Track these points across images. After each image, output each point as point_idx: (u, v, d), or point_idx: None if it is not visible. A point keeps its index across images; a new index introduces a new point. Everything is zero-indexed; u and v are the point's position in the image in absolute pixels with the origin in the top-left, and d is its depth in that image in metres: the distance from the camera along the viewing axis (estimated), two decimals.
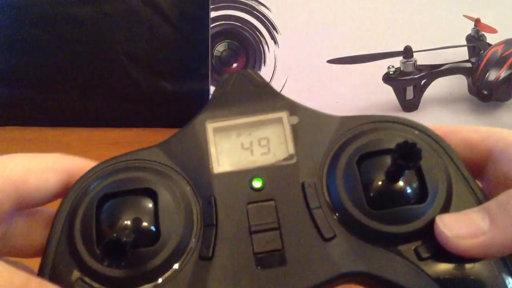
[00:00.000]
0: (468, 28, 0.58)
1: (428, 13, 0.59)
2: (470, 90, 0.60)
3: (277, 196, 0.27)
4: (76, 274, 0.25)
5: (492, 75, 0.59)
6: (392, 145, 0.24)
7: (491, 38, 0.58)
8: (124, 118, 0.64)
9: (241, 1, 0.60)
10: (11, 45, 0.63)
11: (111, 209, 0.26)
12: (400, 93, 0.60)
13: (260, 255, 0.25)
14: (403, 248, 0.25)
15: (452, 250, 0.24)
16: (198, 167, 0.27)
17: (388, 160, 0.25)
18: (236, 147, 0.28)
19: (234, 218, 0.26)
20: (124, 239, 0.23)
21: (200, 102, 0.62)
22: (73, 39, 0.63)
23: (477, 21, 0.58)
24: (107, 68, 0.64)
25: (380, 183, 0.26)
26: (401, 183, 0.26)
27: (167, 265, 0.25)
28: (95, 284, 0.25)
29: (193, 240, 0.26)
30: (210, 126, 0.28)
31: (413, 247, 0.25)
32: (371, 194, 0.26)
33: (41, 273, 0.25)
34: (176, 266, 0.25)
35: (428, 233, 0.25)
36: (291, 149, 0.28)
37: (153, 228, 0.25)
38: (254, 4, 0.60)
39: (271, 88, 0.30)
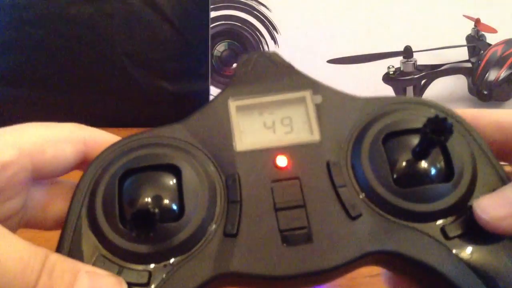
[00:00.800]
0: (468, 28, 0.58)
1: (428, 13, 0.59)
2: (470, 90, 0.60)
3: (301, 174, 0.26)
4: (97, 249, 0.25)
5: (492, 75, 0.59)
6: (418, 125, 0.25)
7: (491, 38, 0.58)
8: (124, 118, 0.64)
9: (241, 1, 0.60)
10: (11, 45, 0.63)
11: (134, 185, 0.25)
12: (400, 93, 0.60)
13: (286, 232, 0.25)
14: (429, 226, 0.25)
15: (495, 232, 0.24)
16: (221, 144, 0.27)
17: (414, 139, 0.26)
18: (258, 126, 0.28)
19: (258, 196, 0.26)
20: (152, 210, 0.23)
21: (200, 102, 0.62)
22: (73, 39, 0.63)
23: (477, 21, 0.58)
24: (107, 68, 0.64)
25: (407, 161, 0.26)
26: (428, 161, 0.26)
27: (191, 241, 0.25)
28: (116, 260, 0.25)
29: (217, 216, 0.26)
30: (232, 104, 0.28)
31: (440, 226, 0.25)
32: (398, 172, 0.26)
33: (60, 249, 0.25)
34: (200, 242, 0.25)
35: (455, 212, 0.25)
36: (315, 128, 0.27)
37: (177, 204, 0.25)
38: (254, 4, 0.60)
39: (293, 67, 0.29)
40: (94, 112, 0.65)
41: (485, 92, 0.59)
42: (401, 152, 0.26)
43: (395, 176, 0.26)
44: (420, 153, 0.25)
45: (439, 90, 0.59)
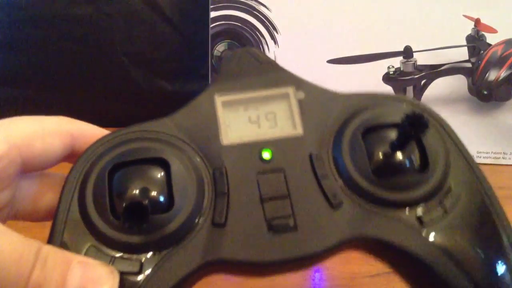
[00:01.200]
0: (468, 28, 0.58)
1: (428, 13, 0.59)
2: (470, 90, 0.60)
3: (285, 166, 0.28)
4: (88, 240, 0.26)
5: (492, 75, 0.59)
6: (396, 119, 0.27)
7: (491, 38, 0.58)
8: (124, 118, 0.64)
9: (241, 1, 0.60)
10: (11, 45, 0.63)
11: (124, 178, 0.26)
12: (400, 93, 0.60)
13: (271, 221, 0.26)
14: (405, 213, 0.27)
15: None
16: (207, 139, 0.28)
17: (391, 133, 0.27)
18: (243, 121, 0.29)
19: (245, 187, 0.27)
20: (144, 202, 0.24)
21: None
22: (73, 39, 0.63)
23: (477, 21, 0.58)
24: (107, 68, 0.64)
25: (384, 153, 0.27)
26: (404, 153, 0.27)
27: (181, 231, 0.26)
28: (108, 250, 0.25)
29: (205, 207, 0.27)
30: (218, 100, 0.29)
31: (415, 213, 0.27)
32: (376, 163, 0.27)
33: (51, 240, 0.26)
34: (190, 232, 0.26)
35: (429, 200, 0.27)
36: (298, 123, 0.29)
37: (166, 196, 0.26)
38: (254, 4, 0.60)
39: (276, 64, 0.30)
40: (94, 112, 0.65)
41: (485, 92, 0.59)
42: (379, 144, 0.28)
43: (373, 167, 0.27)
44: (397, 145, 0.27)
45: (439, 90, 0.59)
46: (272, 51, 0.60)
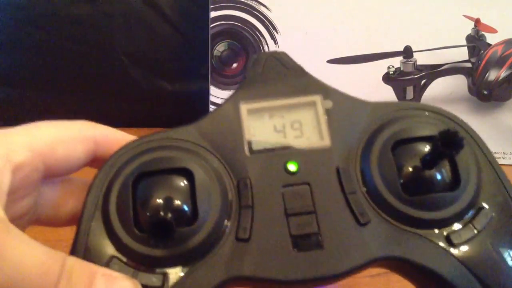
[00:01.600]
0: (468, 28, 0.58)
1: (428, 13, 0.59)
2: (470, 90, 0.60)
3: (311, 180, 0.27)
4: (111, 251, 0.25)
5: (492, 75, 0.59)
6: (428, 133, 0.26)
7: (491, 38, 0.58)
8: (124, 118, 0.64)
9: (241, 1, 0.60)
10: (11, 45, 0.63)
11: (149, 189, 0.26)
12: (400, 93, 0.60)
13: (297, 238, 0.26)
14: (435, 233, 0.26)
15: None
16: (232, 148, 0.27)
17: (423, 147, 0.26)
18: (269, 130, 0.28)
19: (269, 201, 0.26)
20: (170, 219, 0.23)
21: (200, 102, 0.62)
22: (73, 39, 0.63)
23: (477, 21, 0.58)
24: (107, 68, 0.64)
25: (415, 169, 0.26)
26: (435, 170, 0.26)
27: (205, 245, 0.25)
28: (131, 263, 0.25)
29: (229, 221, 0.26)
30: (243, 107, 0.28)
31: (445, 233, 0.26)
32: (406, 180, 0.26)
33: (75, 251, 0.25)
34: (213, 246, 0.26)
35: (459, 220, 0.26)
36: (325, 134, 0.28)
37: (191, 208, 0.25)
38: (254, 4, 0.60)
39: (303, 70, 0.30)
40: (94, 112, 0.65)
41: (485, 92, 0.59)
42: (410, 160, 0.27)
43: (403, 183, 0.26)
44: (429, 162, 0.26)
45: (439, 90, 0.59)
46: None
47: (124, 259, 0.25)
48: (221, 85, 0.61)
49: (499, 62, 0.59)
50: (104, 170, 0.27)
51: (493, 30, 0.58)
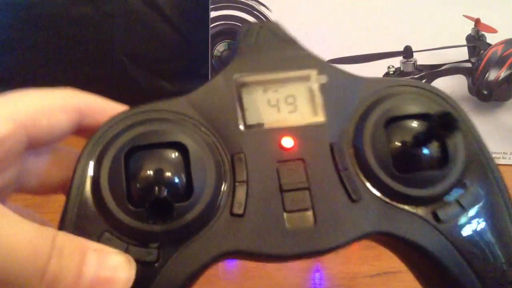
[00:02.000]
0: (468, 28, 0.58)
1: (428, 13, 0.59)
2: (470, 90, 0.60)
3: (306, 156, 0.27)
4: (103, 226, 0.25)
5: (492, 75, 0.59)
6: (420, 111, 0.27)
7: (491, 38, 0.58)
8: None
9: (241, 1, 0.60)
10: (11, 45, 0.63)
11: (141, 162, 0.25)
12: None
13: (290, 213, 0.26)
14: (423, 210, 0.27)
15: None
16: (225, 122, 0.27)
17: (416, 125, 0.27)
18: (263, 104, 0.27)
19: (264, 176, 0.26)
20: (170, 199, 0.23)
21: None
22: (73, 39, 0.63)
23: (477, 21, 0.58)
24: (107, 68, 0.64)
25: (407, 147, 0.26)
26: (427, 149, 0.26)
27: (200, 220, 0.25)
28: (123, 237, 0.24)
29: (223, 196, 0.26)
30: (236, 80, 0.27)
31: (432, 210, 0.27)
32: (398, 158, 0.27)
33: (64, 225, 0.25)
34: (208, 221, 0.25)
35: (447, 197, 0.27)
36: (320, 109, 0.27)
37: (185, 183, 0.25)
38: (254, 4, 0.60)
39: (297, 43, 0.29)
40: None
41: (485, 92, 0.59)
42: (403, 138, 0.27)
43: (394, 161, 0.27)
44: (421, 141, 0.26)
45: None
46: None
47: (116, 233, 0.24)
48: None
49: (499, 62, 0.59)
50: (92, 142, 0.26)
51: (493, 30, 0.58)
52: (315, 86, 0.28)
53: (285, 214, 0.26)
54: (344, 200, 0.26)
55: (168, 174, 0.25)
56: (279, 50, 0.28)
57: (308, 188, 0.26)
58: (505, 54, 0.58)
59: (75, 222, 0.25)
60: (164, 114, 0.27)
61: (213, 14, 0.60)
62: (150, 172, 0.25)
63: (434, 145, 0.27)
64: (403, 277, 0.40)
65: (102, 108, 0.28)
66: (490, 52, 0.59)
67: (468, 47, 0.59)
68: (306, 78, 0.28)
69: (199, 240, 0.25)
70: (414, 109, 0.27)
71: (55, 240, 0.22)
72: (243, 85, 0.27)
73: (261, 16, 0.60)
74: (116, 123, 0.26)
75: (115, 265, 0.23)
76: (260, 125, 0.27)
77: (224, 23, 0.60)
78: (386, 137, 0.27)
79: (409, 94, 0.28)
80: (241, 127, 0.27)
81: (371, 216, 0.26)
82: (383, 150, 0.27)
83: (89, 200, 0.25)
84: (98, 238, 0.24)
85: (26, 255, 0.21)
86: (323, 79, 0.28)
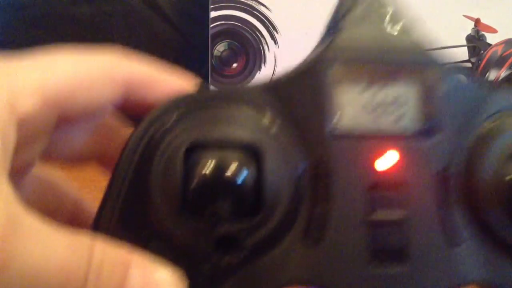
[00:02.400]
0: (468, 28, 0.58)
1: (428, 13, 0.59)
2: None
3: (406, 182, 0.21)
4: (149, 232, 0.20)
5: (492, 75, 0.59)
6: None
7: (491, 38, 0.58)
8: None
9: (241, 1, 0.60)
10: (11, 45, 0.63)
11: (205, 163, 0.20)
12: None
13: (378, 251, 0.21)
14: None
15: None
16: (311, 122, 0.21)
17: None
18: (361, 105, 0.21)
19: (351, 199, 0.21)
20: (244, 234, 0.19)
21: None
22: (73, 39, 0.63)
23: (477, 21, 0.58)
24: None
25: None
26: None
27: (268, 242, 0.21)
28: (168, 253, 0.20)
29: (298, 215, 0.21)
30: (333, 70, 0.21)
31: None
32: None
33: (100, 226, 0.21)
34: (277, 243, 0.21)
35: None
36: (435, 121, 0.22)
37: (256, 197, 0.20)
38: (254, 4, 0.60)
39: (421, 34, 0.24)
40: None
41: None
42: None
43: None
44: None
45: None
46: (272, 51, 0.60)
47: (164, 244, 0.20)
48: (221, 85, 0.61)
49: (499, 62, 0.59)
50: (143, 128, 0.21)
51: (493, 30, 0.58)
52: (434, 93, 0.22)
53: (370, 250, 0.21)
54: (443, 242, 0.21)
55: (236, 182, 0.20)
56: (392, 37, 0.22)
57: (402, 224, 0.21)
58: (505, 54, 0.58)
59: (118, 219, 0.20)
60: (240, 106, 0.21)
61: (213, 14, 0.60)
62: (213, 178, 0.20)
63: None
64: None
65: (157, 81, 0.23)
66: (490, 52, 0.58)
67: (468, 47, 0.59)
68: (424, 82, 0.22)
69: (263, 266, 0.21)
70: None
71: (93, 254, 0.18)
72: (340, 77, 0.21)
73: (261, 16, 0.60)
74: (177, 106, 0.21)
75: (161, 282, 0.19)
76: (352, 136, 0.21)
77: (224, 23, 0.60)
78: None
79: None
80: (329, 134, 0.21)
81: (472, 263, 0.22)
82: (504, 187, 0.21)
83: (132, 198, 0.21)
84: (143, 245, 0.20)
85: (58, 281, 0.18)
86: (445, 84, 0.22)
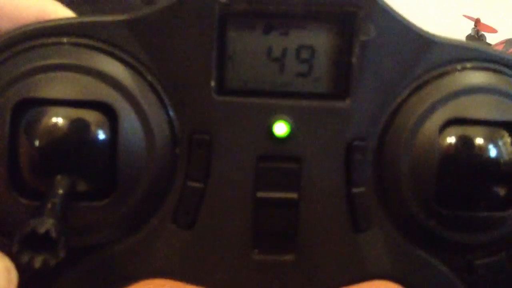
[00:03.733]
0: (468, 28, 0.58)
1: (428, 13, 0.59)
2: None
3: (305, 153, 0.17)
4: None
5: None
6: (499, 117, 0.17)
7: (491, 38, 0.58)
8: None
9: None
10: None
11: (37, 128, 0.16)
12: None
13: (262, 235, 0.17)
14: (455, 260, 0.19)
15: None
16: (191, 76, 0.17)
17: (490, 141, 0.17)
18: (258, 52, 0.17)
19: (234, 175, 0.17)
20: (55, 234, 0.14)
21: None
22: None
23: (477, 21, 0.58)
24: None
25: (466, 174, 0.17)
26: (493, 181, 0.17)
27: (127, 225, 0.17)
28: (10, 236, 0.15)
29: (165, 197, 0.17)
30: (221, 7, 0.16)
31: (467, 261, 0.19)
32: (448, 186, 0.17)
33: None
34: (142, 227, 0.17)
35: (493, 248, 0.19)
36: (347, 80, 0.17)
37: (106, 173, 0.16)
38: None
39: None
40: None
41: None
42: (464, 159, 0.17)
43: (440, 189, 0.17)
44: (491, 173, 0.17)
45: None
46: None
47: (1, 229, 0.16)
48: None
49: None
50: None
51: (493, 30, 0.58)
52: (355, 41, 0.17)
53: (254, 237, 0.17)
54: (345, 228, 0.18)
55: (76, 152, 0.16)
56: None
57: (296, 205, 0.17)
58: None
59: None
60: (89, 42, 0.17)
61: None
62: (47, 148, 0.15)
63: (503, 178, 0.18)
64: None
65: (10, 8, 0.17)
66: None
67: None
68: (342, 24, 0.17)
69: (120, 253, 0.17)
70: (502, 112, 0.17)
71: None
72: (231, 15, 0.17)
73: None
74: (6, 46, 0.16)
75: None
76: (246, 92, 0.17)
77: None
78: (438, 149, 0.17)
79: (499, 82, 0.18)
80: (214, 91, 0.16)
81: (379, 253, 0.19)
82: (426, 169, 0.17)
83: None
84: None
85: None
86: (370, 31, 0.17)
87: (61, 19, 0.17)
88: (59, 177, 0.15)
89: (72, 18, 0.18)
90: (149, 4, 0.65)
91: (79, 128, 0.16)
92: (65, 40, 0.17)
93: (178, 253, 0.17)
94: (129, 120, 0.16)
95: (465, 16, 0.56)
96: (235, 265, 0.17)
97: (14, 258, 0.15)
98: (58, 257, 0.14)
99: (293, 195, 0.17)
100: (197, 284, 0.18)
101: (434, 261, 0.19)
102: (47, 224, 0.14)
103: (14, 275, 0.16)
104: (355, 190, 0.18)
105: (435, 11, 0.58)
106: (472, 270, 0.19)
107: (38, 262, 0.15)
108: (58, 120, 0.16)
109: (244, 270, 0.18)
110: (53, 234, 0.14)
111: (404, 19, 0.19)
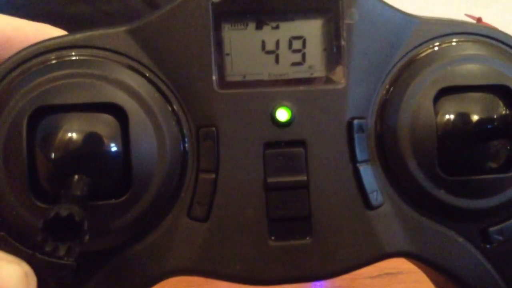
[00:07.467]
0: None
1: (429, 13, 0.58)
2: None
3: (309, 136, 0.18)
4: None
5: None
6: (498, 80, 0.17)
7: None
8: None
9: None
10: None
11: (53, 134, 0.16)
12: None
13: (277, 222, 0.18)
14: (467, 227, 0.19)
15: None
16: (192, 74, 0.17)
17: (487, 103, 0.17)
18: (253, 47, 0.18)
19: (242, 164, 0.18)
20: (79, 217, 0.14)
21: None
22: None
23: (478, 20, 0.58)
24: None
25: (466, 138, 0.18)
26: (492, 144, 0.18)
27: (143, 223, 0.17)
28: (26, 242, 0.16)
29: (180, 191, 0.18)
30: (214, 7, 0.17)
31: (481, 228, 0.19)
32: (449, 153, 0.18)
33: None
34: (158, 224, 0.17)
35: (503, 212, 0.19)
36: (340, 63, 0.18)
37: (121, 173, 0.16)
38: None
39: None
40: None
41: None
42: (460, 123, 0.18)
43: (442, 156, 0.18)
44: (495, 130, 0.18)
45: None
46: None
47: (15, 235, 0.17)
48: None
49: None
50: None
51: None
52: (341, 27, 0.18)
53: (268, 224, 0.18)
54: (356, 205, 0.18)
55: (91, 154, 0.16)
56: None
57: (306, 187, 0.18)
58: None
59: None
60: (98, 55, 0.17)
61: None
62: (63, 152, 0.16)
63: (501, 139, 0.18)
64: (403, 278, 0.40)
65: (26, 34, 0.19)
66: None
67: None
68: (328, 12, 0.17)
69: (140, 252, 0.17)
70: (489, 77, 0.18)
71: None
72: (225, 15, 0.17)
73: None
74: (19, 64, 0.17)
75: (5, 279, 0.16)
76: (245, 83, 0.18)
77: None
78: (435, 118, 0.18)
79: (484, 51, 0.19)
80: (216, 85, 0.17)
81: (393, 229, 0.19)
82: (427, 139, 0.17)
83: None
84: None
85: None
86: (354, 15, 0.18)
87: (69, 35, 0.19)
88: (76, 177, 0.16)
89: (79, 33, 0.19)
90: (150, 5, 0.65)
91: (92, 131, 0.16)
92: (73, 52, 0.18)
93: (196, 248, 0.17)
94: (139, 119, 0.17)
95: (466, 15, 0.56)
96: (253, 254, 0.18)
97: (32, 264, 0.16)
98: (82, 242, 0.15)
99: (302, 177, 0.18)
100: (217, 278, 0.18)
101: (449, 232, 0.19)
102: (70, 209, 0.15)
103: (32, 279, 0.17)
104: (360, 166, 0.18)
105: (437, 10, 0.58)
106: (487, 237, 0.19)
107: (62, 250, 0.15)
108: (72, 125, 0.16)
109: (262, 258, 0.18)
110: (77, 217, 0.15)
111: (385, 3, 0.20)
